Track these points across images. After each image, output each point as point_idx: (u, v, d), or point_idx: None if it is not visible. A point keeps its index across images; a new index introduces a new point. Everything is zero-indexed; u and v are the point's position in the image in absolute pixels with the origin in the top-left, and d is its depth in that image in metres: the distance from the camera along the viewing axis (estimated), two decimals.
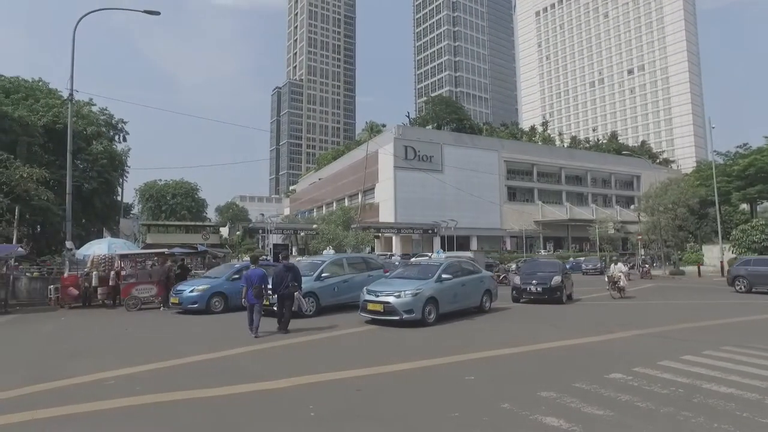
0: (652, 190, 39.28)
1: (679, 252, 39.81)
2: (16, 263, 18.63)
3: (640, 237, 43.49)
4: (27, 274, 19.37)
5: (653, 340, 9.46)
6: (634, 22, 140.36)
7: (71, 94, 19.79)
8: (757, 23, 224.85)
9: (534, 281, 16.31)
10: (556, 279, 15.93)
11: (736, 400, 5.40)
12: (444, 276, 12.01)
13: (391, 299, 10.98)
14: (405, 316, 10.81)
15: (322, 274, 13.31)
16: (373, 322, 11.56)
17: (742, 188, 38.22)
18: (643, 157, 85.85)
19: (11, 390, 6.14)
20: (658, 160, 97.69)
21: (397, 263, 24.20)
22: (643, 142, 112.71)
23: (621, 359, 7.59)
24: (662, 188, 38.12)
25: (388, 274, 14.99)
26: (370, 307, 11.27)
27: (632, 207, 68.63)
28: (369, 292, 11.51)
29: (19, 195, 20.33)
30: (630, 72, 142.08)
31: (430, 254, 36.18)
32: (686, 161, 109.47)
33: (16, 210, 20.19)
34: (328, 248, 37.75)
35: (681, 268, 36.13)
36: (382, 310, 11.04)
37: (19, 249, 17.53)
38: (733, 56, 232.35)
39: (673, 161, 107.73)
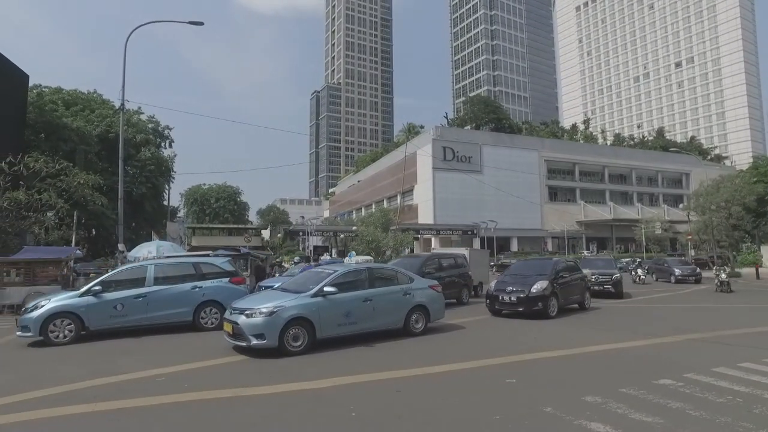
0: (702, 187, 37.50)
1: (734, 253, 37.87)
2: (75, 264, 19.70)
3: (690, 237, 41.63)
4: (84, 274, 20.43)
5: (706, 345, 9.05)
6: (683, 12, 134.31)
7: (122, 104, 20.77)
8: None
9: (508, 288, 12.93)
10: (538, 286, 12.53)
11: None
12: (327, 289, 8.86)
13: (240, 319, 8.25)
14: (254, 342, 8.02)
15: (325, 289, 8.96)
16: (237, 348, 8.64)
17: None
18: (693, 154, 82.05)
19: (74, 383, 6.52)
20: (709, 157, 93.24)
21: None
22: (693, 138, 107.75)
23: (671, 365, 7.29)
24: (714, 186, 36.32)
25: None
26: (226, 327, 8.71)
27: (681, 206, 65.77)
28: (231, 308, 8.92)
29: (77, 201, 21.49)
30: (678, 65, 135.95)
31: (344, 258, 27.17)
32: (741, 157, 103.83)
33: (75, 215, 21.36)
34: (350, 255, 26.58)
35: (737, 269, 34.34)
36: (231, 333, 8.47)
37: (78, 251, 18.54)
38: None
39: (726, 157, 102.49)
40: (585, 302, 14.68)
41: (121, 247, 19.28)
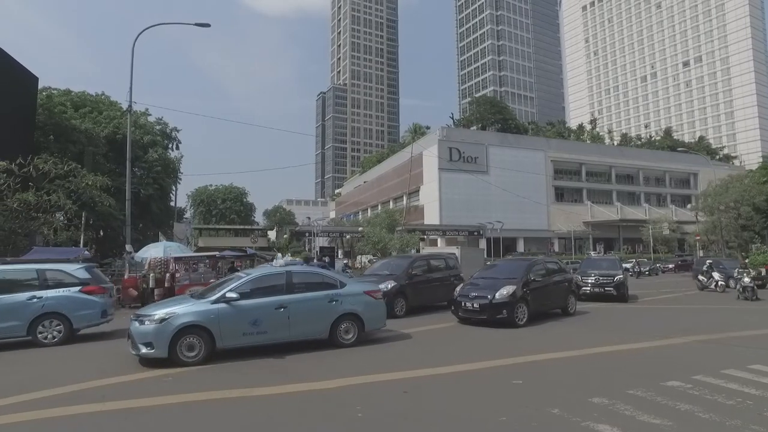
0: (711, 188, 37.30)
1: (743, 253, 37.56)
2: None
3: (698, 237, 41.37)
4: None
5: (715, 347, 8.98)
6: (690, 11, 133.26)
7: (130, 106, 20.91)
8: None
9: (472, 294, 11.68)
10: (504, 291, 11.21)
11: None
12: (230, 295, 8.11)
13: (133, 326, 7.79)
14: (143, 350, 7.53)
15: (227, 295, 8.17)
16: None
17: None
18: (701, 154, 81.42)
19: (84, 383, 6.58)
20: (717, 157, 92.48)
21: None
22: (701, 138, 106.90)
23: (679, 366, 7.23)
24: (723, 186, 36.11)
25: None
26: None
27: (689, 206, 65.34)
28: (133, 314, 8.35)
29: (86, 202, 21.65)
30: (686, 64, 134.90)
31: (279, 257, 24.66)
32: (750, 157, 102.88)
33: (83, 216, 21.53)
34: (277, 257, 24.27)
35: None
36: (128, 340, 7.98)
37: (86, 252, 18.70)
38: None
39: (735, 157, 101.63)
40: (569, 307, 13.36)
41: (128, 247, 19.41)
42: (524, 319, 11.38)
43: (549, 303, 12.84)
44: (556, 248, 61.10)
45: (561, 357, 8.18)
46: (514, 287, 11.40)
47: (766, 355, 8.01)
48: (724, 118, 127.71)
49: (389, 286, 13.20)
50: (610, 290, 17.39)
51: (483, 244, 55.37)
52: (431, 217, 59.25)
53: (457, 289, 12.64)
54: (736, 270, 18.84)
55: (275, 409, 5.53)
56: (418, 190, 63.71)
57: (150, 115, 41.05)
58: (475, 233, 56.49)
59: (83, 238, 21.77)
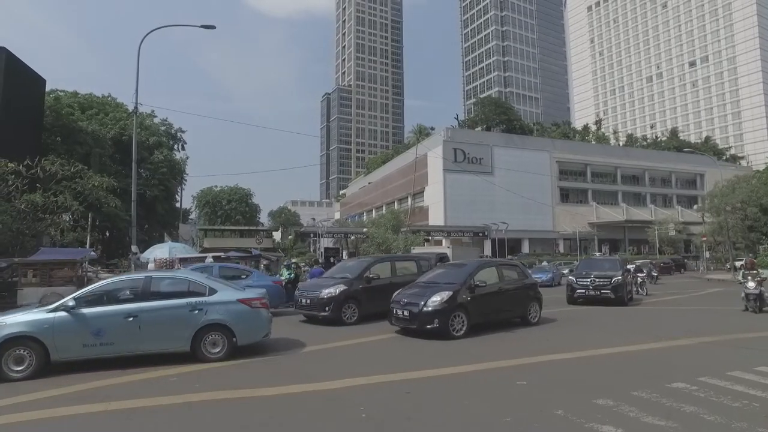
0: (717, 188, 37.08)
1: (750, 255, 37.31)
2: (90, 265, 19.98)
3: (704, 238, 41.10)
4: (99, 275, 20.72)
5: (721, 349, 8.92)
6: (697, 11, 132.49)
7: (136, 108, 21.01)
8: None
9: (404, 300, 10.44)
10: (437, 298, 9.92)
11: None
12: (69, 303, 7.42)
13: None
14: None
15: (67, 303, 7.49)
16: None
17: None
18: (707, 154, 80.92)
19: (90, 382, 6.64)
20: (724, 157, 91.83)
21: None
22: (707, 138, 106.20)
23: (684, 368, 7.19)
24: (729, 186, 35.90)
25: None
26: None
27: (695, 207, 64.96)
28: None
29: (92, 203, 21.81)
30: (692, 64, 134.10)
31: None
32: (758, 157, 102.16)
33: (89, 216, 21.67)
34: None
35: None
36: None
37: (92, 253, 18.79)
38: None
39: (742, 157, 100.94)
40: (530, 316, 11.82)
41: (134, 248, 19.52)
42: (462, 330, 9.93)
43: (502, 311, 11.38)
44: (561, 249, 60.91)
45: (472, 370, 7.45)
46: (450, 293, 10.02)
47: None
48: (731, 118, 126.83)
49: (337, 290, 12.30)
50: (607, 293, 16.39)
51: (488, 245, 55.34)
52: (436, 217, 59.19)
53: (394, 294, 11.04)
54: (741, 272, 15.97)
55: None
56: (423, 191, 63.67)
57: (156, 116, 41.39)
58: (480, 234, 56.42)
59: (89, 238, 21.91)
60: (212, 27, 21.07)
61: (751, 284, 14.29)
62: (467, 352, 8.63)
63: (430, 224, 58.40)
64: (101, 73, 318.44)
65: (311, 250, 58.24)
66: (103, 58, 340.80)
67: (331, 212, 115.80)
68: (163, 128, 41.89)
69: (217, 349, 8.04)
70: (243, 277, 13.71)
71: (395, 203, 69.89)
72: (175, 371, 7.26)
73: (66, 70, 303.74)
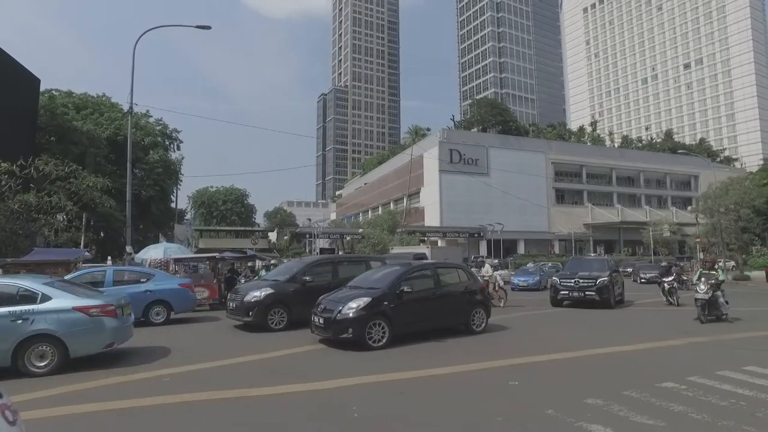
0: (711, 190, 37.33)
1: (744, 256, 37.54)
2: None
3: (698, 239, 41.36)
4: None
5: (712, 349, 9.01)
6: (691, 13, 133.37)
7: (131, 108, 20.99)
8: None
9: (321, 307, 9.56)
10: (354, 305, 9.01)
11: None
12: None
13: None
14: None
15: None
16: None
17: None
18: (702, 156, 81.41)
19: (83, 383, 6.62)
20: (718, 159, 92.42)
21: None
22: (702, 140, 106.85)
23: (674, 367, 7.27)
24: (723, 188, 36.13)
25: None
26: None
27: (689, 208, 65.36)
28: None
29: (86, 203, 21.75)
30: (687, 66, 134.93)
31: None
32: (751, 159, 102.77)
33: (84, 217, 21.59)
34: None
35: (746, 273, 34.02)
36: None
37: (86, 253, 18.75)
38: None
39: (735, 159, 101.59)
40: (473, 324, 10.66)
41: (129, 249, 19.47)
42: (383, 340, 8.96)
43: (437, 319, 10.20)
44: (557, 250, 61.15)
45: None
46: (369, 299, 9.08)
47: (761, 356, 8.03)
48: (725, 120, 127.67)
49: (262, 294, 11.38)
50: (591, 294, 15.61)
51: (483, 245, 55.43)
52: (432, 218, 59.28)
53: (319, 299, 10.10)
54: (697, 272, 13.11)
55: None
56: (419, 192, 63.76)
57: (151, 116, 41.25)
58: (476, 235, 56.54)
59: (84, 239, 21.85)
60: (208, 27, 21.04)
61: (701, 287, 12.12)
62: (374, 364, 7.70)
63: (425, 225, 58.50)
64: (97, 73, 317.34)
65: (307, 251, 58.21)
66: (99, 58, 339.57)
67: (327, 213, 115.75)
68: (158, 128, 41.77)
69: (44, 363, 7.20)
70: (143, 280, 12.59)
71: (391, 204, 69.94)
72: (169, 372, 7.27)
73: (61, 69, 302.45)
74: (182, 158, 44.19)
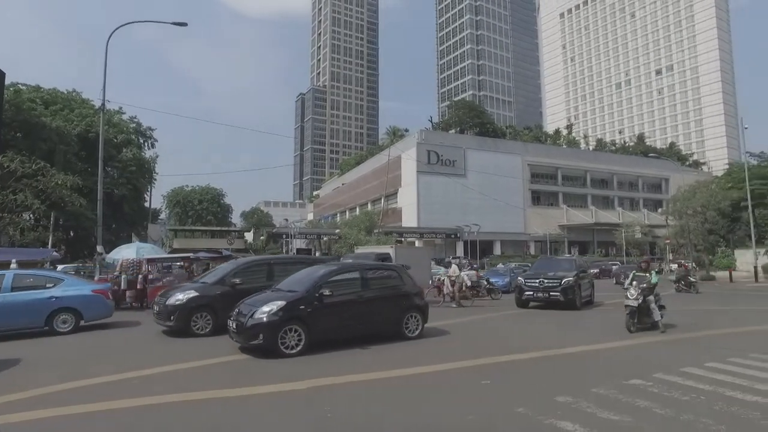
0: (680, 193, 38.46)
1: (710, 257, 38.74)
2: (52, 266, 19.37)
3: (668, 241, 42.55)
4: None
5: (677, 346, 9.30)
6: (662, 22, 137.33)
7: (103, 104, 20.51)
8: None
9: (235, 311, 8.96)
10: (266, 309, 8.39)
11: (761, 409, 5.26)
12: None
13: None
14: None
15: None
16: None
17: None
18: (672, 159, 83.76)
19: (45, 387, 6.42)
20: (687, 163, 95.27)
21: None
22: (672, 144, 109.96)
23: (642, 365, 7.48)
24: (691, 191, 37.28)
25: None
26: None
27: (660, 210, 67.18)
28: None
29: (55, 201, 21.16)
30: (658, 72, 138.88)
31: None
32: (718, 163, 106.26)
33: (52, 216, 21.01)
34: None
35: (711, 273, 35.11)
36: None
37: (54, 253, 18.24)
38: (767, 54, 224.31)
39: (703, 163, 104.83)
40: (406, 329, 9.94)
41: (99, 249, 19.02)
42: (298, 347, 8.32)
43: (364, 325, 9.49)
44: (533, 251, 62.11)
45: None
46: (283, 303, 8.48)
47: (722, 353, 8.33)
48: (694, 125, 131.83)
49: (185, 297, 10.79)
50: (556, 295, 15.30)
51: (460, 246, 55.95)
52: (409, 219, 59.54)
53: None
54: (631, 275, 11.56)
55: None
56: (397, 193, 63.97)
57: (124, 113, 40.36)
58: (453, 236, 57.04)
59: (52, 238, 21.23)
60: (184, 24, 20.75)
61: (632, 293, 10.70)
62: (280, 373, 7.13)
63: (403, 225, 58.74)
64: (69, 69, 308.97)
65: (284, 251, 57.77)
66: (71, 53, 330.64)
67: (304, 213, 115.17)
68: (132, 126, 40.89)
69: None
70: (49, 286, 11.51)
71: (369, 204, 70.02)
72: (136, 374, 7.13)
73: (30, 64, 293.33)
74: (157, 156, 43.33)
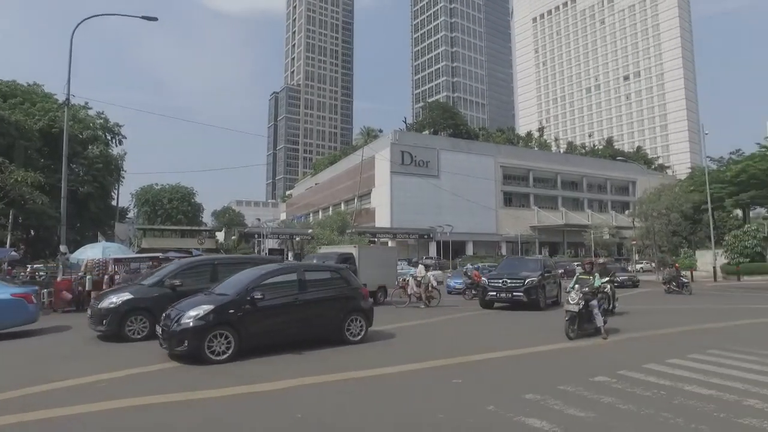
0: (646, 195, 39.69)
1: (673, 257, 40.09)
2: (10, 267, 18.64)
3: (634, 242, 43.83)
4: (20, 277, 19.35)
5: (642, 344, 9.59)
6: (630, 29, 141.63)
7: (68, 99, 19.83)
8: (753, 30, 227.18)
9: (166, 314, 8.49)
10: (192, 313, 7.91)
11: (716, 402, 5.51)
12: None
13: None
14: None
15: None
16: None
17: (735, 194, 38.53)
18: (639, 163, 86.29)
19: (4, 393, 6.15)
20: (653, 166, 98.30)
21: None
22: (639, 148, 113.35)
23: (607, 362, 7.70)
24: (656, 194, 38.52)
25: None
26: None
27: (627, 212, 69.16)
28: None
29: (14, 199, 20.37)
30: (626, 78, 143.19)
31: None
32: (681, 167, 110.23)
33: (11, 214, 20.21)
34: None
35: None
36: None
37: (13, 253, 17.56)
38: (729, 62, 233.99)
39: (668, 167, 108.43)
40: (348, 332, 9.48)
41: (63, 248, 18.40)
42: (227, 354, 7.85)
43: (302, 329, 9.03)
44: (504, 251, 63.05)
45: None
46: (211, 307, 8.03)
47: (681, 349, 8.66)
48: (659, 130, 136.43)
49: (120, 300, 10.27)
50: (519, 295, 15.08)
51: (433, 246, 56.32)
52: (382, 219, 59.65)
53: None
54: (575, 278, 10.77)
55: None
56: (370, 193, 64.00)
57: (90, 108, 39.10)
58: (426, 236, 57.40)
59: (10, 238, 20.41)
60: (154, 19, 20.27)
61: (573, 297, 9.91)
62: (201, 382, 6.60)
63: (376, 226, 58.81)
64: (33, 62, 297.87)
65: (256, 251, 57.07)
66: (36, 46, 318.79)
67: (276, 213, 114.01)
68: (99, 122, 39.63)
69: None
70: None
71: (342, 204, 69.84)
72: (103, 377, 6.93)
73: None
74: (125, 154, 42.02)
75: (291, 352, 8.46)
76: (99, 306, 10.25)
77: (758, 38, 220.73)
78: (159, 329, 8.31)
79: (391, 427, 4.88)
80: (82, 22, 19.56)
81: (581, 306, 9.72)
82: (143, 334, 10.08)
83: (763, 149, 38.60)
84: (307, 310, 9.09)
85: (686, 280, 22.64)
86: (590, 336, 10.02)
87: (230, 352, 7.91)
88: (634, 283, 28.28)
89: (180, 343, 7.78)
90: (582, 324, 9.96)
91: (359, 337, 9.64)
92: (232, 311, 8.11)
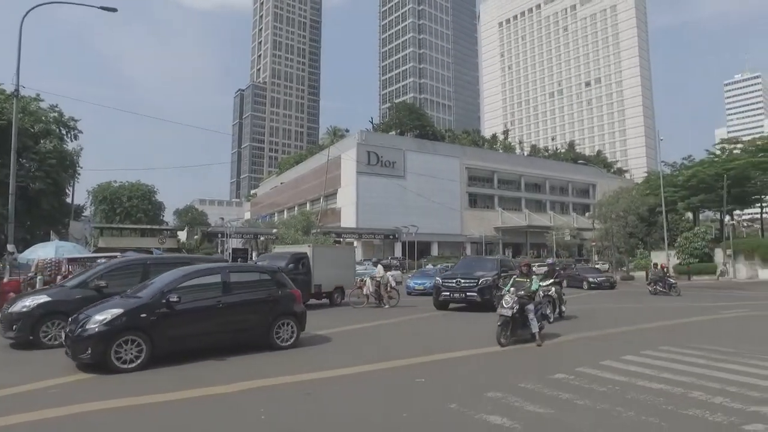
0: (605, 198, 41.05)
1: (630, 258, 41.60)
2: None
3: (594, 243, 45.25)
4: None
5: (599, 342, 9.89)
6: (591, 37, 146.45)
7: (17, 89, 18.86)
8: (705, 41, 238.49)
9: (70, 320, 7.73)
10: (98, 318, 7.24)
11: (665, 395, 5.75)
12: None
13: None
14: None
15: None
16: None
17: (686, 198, 40.36)
18: (599, 167, 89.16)
19: None
20: (612, 170, 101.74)
21: None
22: (599, 152, 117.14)
23: (567, 360, 7.91)
24: (614, 197, 39.89)
25: None
26: None
27: (587, 214, 71.26)
28: None
29: None
30: (587, 84, 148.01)
31: None
32: (638, 171, 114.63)
33: None
34: None
35: (631, 273, 37.72)
36: None
37: None
38: (682, 71, 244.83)
39: (626, 171, 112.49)
40: (276, 337, 8.89)
41: (10, 248, 17.47)
42: (138, 361, 7.24)
43: (225, 334, 8.38)
44: (468, 252, 63.90)
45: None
46: (120, 311, 7.39)
47: (636, 346, 9.00)
48: (618, 135, 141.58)
49: (33, 303, 9.35)
50: (472, 296, 14.67)
51: (399, 247, 56.56)
52: (348, 219, 59.50)
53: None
54: (510, 281, 9.97)
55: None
56: (336, 193, 63.75)
57: (42, 100, 37.30)
58: (391, 236, 57.59)
59: None
60: (113, 10, 19.50)
61: (507, 300, 9.18)
62: (108, 391, 6.06)
63: (342, 226, 58.60)
64: None
65: (219, 251, 55.92)
66: None
67: (240, 212, 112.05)
68: (52, 115, 37.85)
69: None
70: None
71: (308, 204, 69.33)
72: (56, 382, 6.61)
73: None
74: (81, 149, 40.25)
75: (214, 358, 7.94)
76: (10, 310, 9.25)
77: (713, 48, 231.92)
78: (63, 335, 7.60)
79: (352, 427, 4.85)
80: (32, 8, 18.64)
81: (515, 310, 9.06)
82: (59, 342, 8.78)
83: (711, 156, 40.58)
84: (232, 314, 8.46)
85: (674, 281, 21.92)
86: (525, 342, 9.40)
87: (141, 359, 7.30)
88: (612, 285, 27.56)
89: (83, 351, 7.10)
90: (516, 329, 9.31)
91: (290, 342, 9.08)
92: (144, 315, 7.48)
